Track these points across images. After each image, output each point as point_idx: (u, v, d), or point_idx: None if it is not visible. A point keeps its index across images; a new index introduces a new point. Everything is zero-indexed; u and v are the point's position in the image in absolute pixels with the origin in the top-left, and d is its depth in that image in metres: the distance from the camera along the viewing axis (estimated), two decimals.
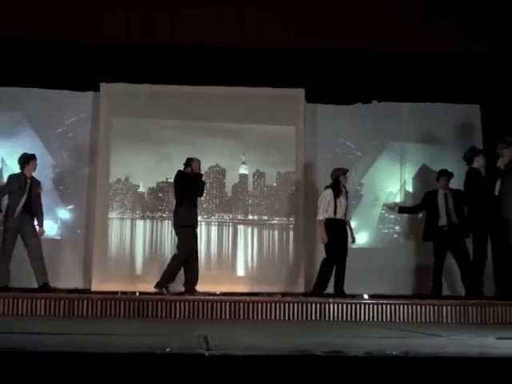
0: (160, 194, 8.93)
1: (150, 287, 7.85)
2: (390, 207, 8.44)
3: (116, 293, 7.97)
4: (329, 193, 7.92)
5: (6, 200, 7.67)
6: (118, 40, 8.31)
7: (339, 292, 7.68)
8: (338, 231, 7.85)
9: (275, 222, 8.93)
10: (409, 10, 8.51)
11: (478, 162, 7.74)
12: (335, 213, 7.83)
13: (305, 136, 9.04)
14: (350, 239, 8.02)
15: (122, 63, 8.70)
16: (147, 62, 8.65)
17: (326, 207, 7.85)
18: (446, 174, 8.08)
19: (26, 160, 7.70)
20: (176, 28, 8.36)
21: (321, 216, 7.87)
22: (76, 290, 8.21)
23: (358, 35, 8.49)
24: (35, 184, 7.78)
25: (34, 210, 7.70)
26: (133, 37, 8.30)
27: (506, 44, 7.22)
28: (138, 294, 7.93)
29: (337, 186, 7.94)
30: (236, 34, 8.36)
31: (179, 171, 7.97)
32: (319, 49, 8.50)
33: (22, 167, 7.73)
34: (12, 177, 7.75)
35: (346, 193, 8.00)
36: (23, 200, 7.59)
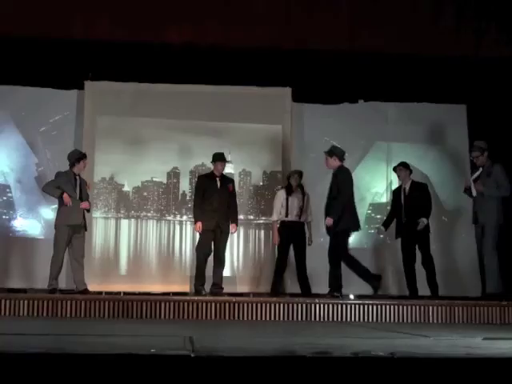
0: (145, 194, 8.90)
1: (135, 287, 7.83)
2: (380, 233, 8.39)
3: (100, 293, 7.92)
4: (281, 193, 8.07)
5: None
6: (103, 38, 8.27)
7: (304, 292, 7.75)
8: (289, 233, 7.94)
9: (261, 221, 8.93)
10: (397, 10, 8.54)
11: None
12: (287, 214, 7.93)
13: (291, 135, 9.05)
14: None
15: (107, 61, 8.65)
16: (133, 60, 8.62)
17: (279, 208, 7.98)
18: (398, 167, 8.06)
19: (77, 159, 7.53)
20: (162, 26, 8.33)
21: (274, 217, 8.03)
22: (59, 291, 8.15)
23: (344, 34, 8.51)
24: (84, 182, 7.66)
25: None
26: (118, 34, 8.26)
27: (493, 44, 7.24)
28: (122, 294, 7.88)
29: (288, 187, 8.04)
30: (223, 32, 8.34)
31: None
32: (306, 48, 8.51)
33: (71, 165, 7.54)
34: (60, 173, 7.57)
35: (303, 194, 8.04)
36: (77, 197, 7.45)
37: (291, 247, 8.02)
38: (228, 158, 8.65)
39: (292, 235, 7.99)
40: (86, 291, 7.32)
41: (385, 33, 8.51)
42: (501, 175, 7.49)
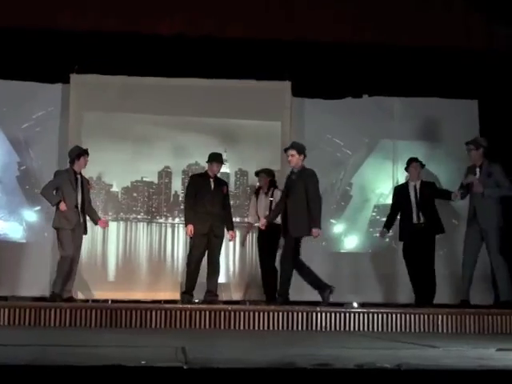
0: (135, 194, 8.91)
1: (124, 294, 7.81)
2: (382, 235, 8.36)
3: (87, 301, 7.92)
4: (253, 196, 8.26)
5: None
6: (90, 28, 8.26)
7: (269, 298, 7.75)
8: (263, 236, 8.00)
9: (259, 224, 8.91)
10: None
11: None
12: (258, 218, 8.03)
13: (291, 132, 9.04)
14: None
15: (94, 53, 8.64)
16: (121, 52, 8.62)
17: (253, 211, 8.19)
18: (414, 163, 8.03)
19: (77, 155, 7.53)
20: (153, 16, 8.33)
21: (250, 219, 8.27)
22: (43, 298, 8.14)
23: (348, 25, 8.51)
24: (85, 181, 7.67)
25: (86, 209, 7.58)
26: (105, 25, 8.26)
27: (507, 35, 7.26)
28: (110, 302, 7.89)
29: (257, 189, 8.23)
30: (217, 22, 8.34)
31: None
32: (307, 39, 8.50)
33: (71, 162, 7.56)
34: (59, 172, 7.60)
35: (273, 194, 8.09)
36: (79, 198, 7.47)
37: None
38: (224, 156, 8.66)
39: (264, 238, 8.01)
40: (70, 299, 7.31)
41: (391, 23, 8.51)
42: (501, 175, 7.55)
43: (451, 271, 8.32)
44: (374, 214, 9.15)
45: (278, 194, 8.05)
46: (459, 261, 7.80)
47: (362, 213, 9.06)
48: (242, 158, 8.97)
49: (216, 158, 7.85)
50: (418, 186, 7.99)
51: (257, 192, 8.27)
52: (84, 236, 7.65)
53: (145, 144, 8.84)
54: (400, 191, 8.15)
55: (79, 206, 7.48)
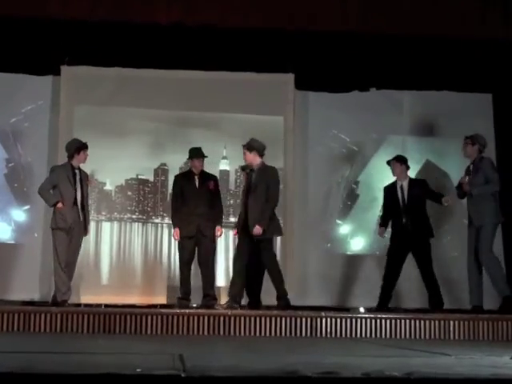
0: (129, 193, 8.91)
1: (118, 299, 7.81)
2: (380, 234, 8.28)
3: (79, 305, 7.92)
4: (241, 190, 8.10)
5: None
6: (82, 16, 8.24)
7: (253, 303, 7.68)
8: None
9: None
10: None
11: None
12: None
13: (294, 127, 9.05)
14: None
15: (85, 43, 8.64)
16: (115, 42, 8.61)
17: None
18: (396, 161, 8.01)
19: (76, 149, 7.51)
20: (150, 4, 8.32)
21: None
22: (32, 303, 8.15)
23: (354, 13, 8.50)
24: (84, 176, 7.66)
25: (85, 206, 7.58)
26: (99, 13, 8.24)
27: None
28: (103, 306, 7.89)
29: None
30: (217, 11, 8.33)
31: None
32: (311, 29, 8.49)
33: (70, 156, 7.55)
34: (56, 168, 7.61)
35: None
36: (78, 194, 7.45)
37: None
38: (223, 153, 8.66)
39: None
40: (63, 303, 7.32)
41: (399, 12, 8.49)
42: (489, 169, 7.59)
43: (465, 276, 8.27)
44: (381, 213, 9.13)
45: None
46: None
47: (369, 213, 9.05)
48: (243, 154, 8.95)
49: (195, 154, 7.84)
50: (405, 186, 7.97)
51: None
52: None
53: (140, 140, 8.83)
54: (389, 191, 8.14)
55: (78, 203, 7.47)
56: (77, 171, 7.53)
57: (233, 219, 8.82)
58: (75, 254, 7.52)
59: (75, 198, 7.44)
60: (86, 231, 7.59)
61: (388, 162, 8.08)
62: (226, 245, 8.71)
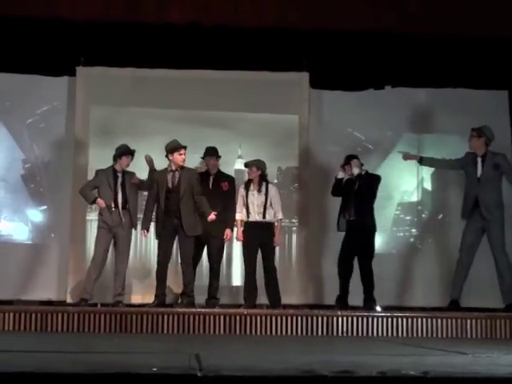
0: (145, 193, 8.89)
1: (134, 298, 7.82)
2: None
3: (95, 305, 7.94)
4: (241, 189, 7.98)
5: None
6: (98, 17, 8.27)
7: (273, 304, 7.64)
8: (252, 236, 7.80)
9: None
10: None
11: None
12: (248, 214, 7.83)
13: (309, 126, 9.03)
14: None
15: (101, 44, 8.67)
16: (130, 42, 8.62)
17: (240, 206, 7.90)
18: (348, 158, 7.94)
19: (119, 154, 7.68)
20: (164, 4, 8.33)
21: (237, 215, 7.90)
22: (49, 302, 8.19)
23: (367, 12, 8.48)
24: (128, 177, 7.72)
25: (130, 208, 7.68)
26: (114, 13, 8.27)
27: None
28: (120, 306, 7.89)
29: (246, 182, 7.98)
30: (232, 10, 8.33)
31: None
32: (325, 27, 8.48)
33: (113, 160, 7.72)
34: (98, 171, 7.77)
35: (266, 189, 7.86)
36: (118, 197, 7.60)
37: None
38: (238, 152, 8.66)
39: (256, 237, 7.80)
40: (82, 301, 7.41)
41: (414, 10, 8.47)
42: (509, 165, 7.52)
43: (484, 274, 8.19)
44: (397, 212, 9.12)
45: (272, 190, 7.89)
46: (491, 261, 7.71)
47: (384, 211, 9.01)
48: (258, 153, 8.91)
49: (208, 153, 7.85)
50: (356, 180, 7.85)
51: (246, 187, 7.89)
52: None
53: (155, 140, 8.82)
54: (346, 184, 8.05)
55: (119, 205, 7.59)
56: (119, 174, 7.66)
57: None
58: (121, 256, 7.64)
59: (115, 201, 7.57)
60: (132, 227, 7.72)
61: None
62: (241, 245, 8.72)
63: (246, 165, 7.96)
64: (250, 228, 7.82)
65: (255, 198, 7.81)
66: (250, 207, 7.79)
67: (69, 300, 8.33)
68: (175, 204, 7.52)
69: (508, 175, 7.50)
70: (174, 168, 7.62)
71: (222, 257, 7.96)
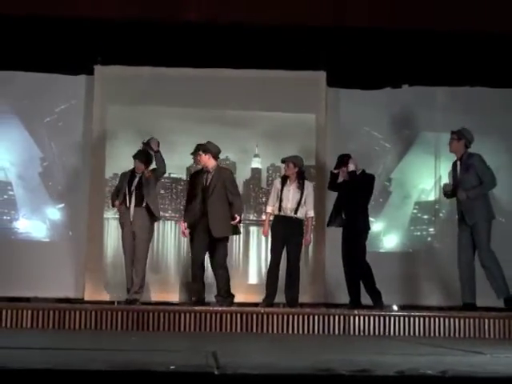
0: (162, 192, 8.92)
1: (151, 296, 7.83)
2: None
3: (112, 303, 7.97)
4: (277, 183, 7.96)
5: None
6: (115, 16, 8.30)
7: (290, 303, 7.60)
8: (280, 230, 7.76)
9: None
10: None
11: None
12: (280, 208, 7.77)
13: (326, 125, 9.02)
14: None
15: (118, 43, 8.69)
16: (148, 41, 8.64)
17: (273, 199, 7.86)
18: (343, 157, 7.92)
19: (133, 156, 7.90)
20: (180, 2, 8.34)
21: (268, 208, 7.93)
22: (67, 300, 8.22)
23: (385, 9, 8.44)
24: (145, 176, 7.82)
25: (149, 203, 7.80)
26: (131, 12, 8.29)
27: None
28: (137, 304, 7.91)
29: (283, 177, 7.93)
30: (248, 8, 8.33)
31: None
32: (342, 25, 8.46)
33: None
34: (121, 174, 8.06)
35: (302, 185, 7.83)
36: (132, 198, 7.74)
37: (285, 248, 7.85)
38: (255, 151, 8.65)
39: (285, 233, 7.77)
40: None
41: (431, 7, 8.43)
42: (481, 165, 7.38)
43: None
44: (415, 211, 9.08)
45: (309, 187, 7.90)
46: (509, 261, 7.65)
47: (402, 210, 9.00)
48: (275, 152, 8.93)
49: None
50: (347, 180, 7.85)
51: (282, 182, 7.87)
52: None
53: (172, 138, 8.85)
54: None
55: (132, 204, 7.72)
56: (137, 175, 7.79)
57: (264, 217, 8.80)
58: (137, 254, 7.71)
59: (128, 200, 7.71)
60: (155, 221, 7.93)
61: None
62: (258, 243, 8.71)
63: (283, 161, 7.94)
64: (278, 222, 7.81)
65: (290, 194, 7.79)
66: (284, 202, 7.77)
67: (86, 297, 8.36)
68: (208, 204, 7.56)
69: (481, 176, 7.36)
70: (209, 169, 7.67)
71: (226, 254, 7.90)
